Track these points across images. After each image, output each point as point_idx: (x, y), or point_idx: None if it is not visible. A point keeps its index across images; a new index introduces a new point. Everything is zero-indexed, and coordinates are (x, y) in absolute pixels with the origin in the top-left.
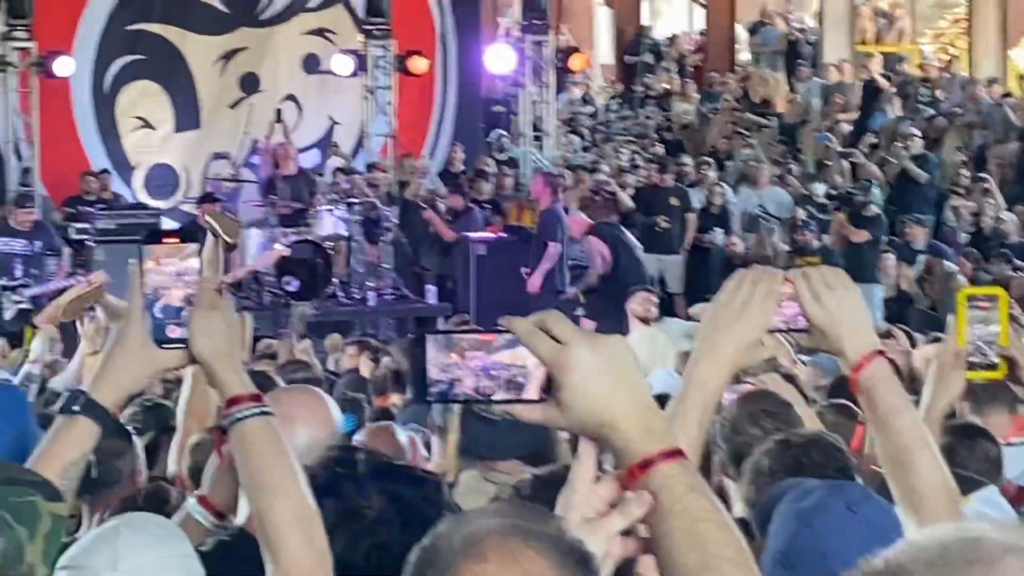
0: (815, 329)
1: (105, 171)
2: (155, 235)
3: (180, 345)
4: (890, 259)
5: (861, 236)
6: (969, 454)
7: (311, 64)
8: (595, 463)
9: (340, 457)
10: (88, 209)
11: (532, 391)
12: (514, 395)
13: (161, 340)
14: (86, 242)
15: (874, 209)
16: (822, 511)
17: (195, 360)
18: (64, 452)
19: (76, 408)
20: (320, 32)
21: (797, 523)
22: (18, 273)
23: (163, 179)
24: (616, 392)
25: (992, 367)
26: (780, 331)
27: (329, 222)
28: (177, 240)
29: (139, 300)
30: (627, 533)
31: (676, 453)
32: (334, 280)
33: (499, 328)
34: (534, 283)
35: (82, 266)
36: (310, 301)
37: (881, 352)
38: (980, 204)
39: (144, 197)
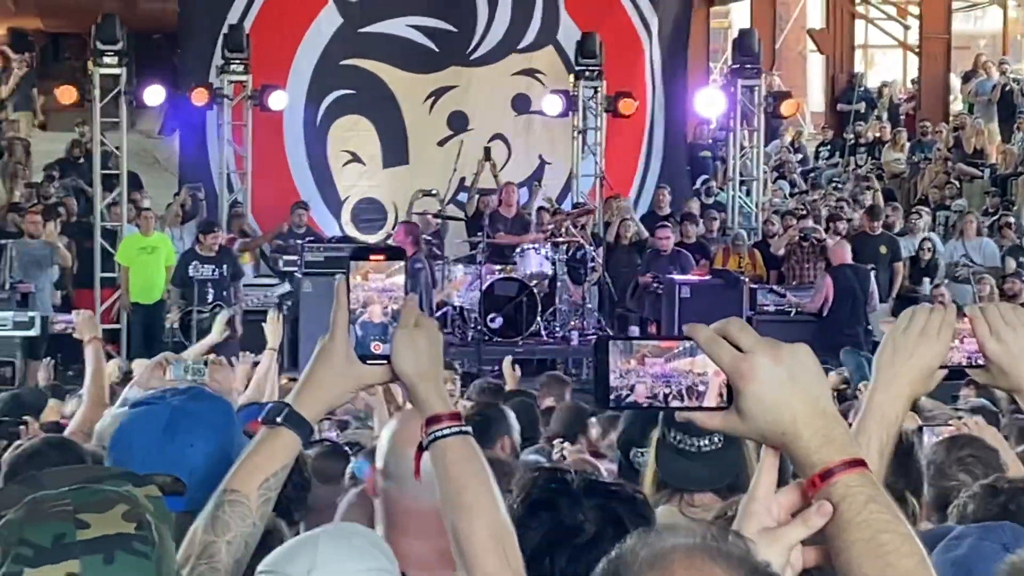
0: (993, 366)
1: (302, 204)
2: (362, 252)
3: (383, 361)
4: None
5: None
6: None
7: (521, 104)
8: (776, 472)
9: (552, 476)
10: (297, 241)
11: (711, 399)
12: (693, 403)
13: (364, 355)
14: (294, 274)
15: None
16: (978, 556)
17: (396, 377)
18: (265, 463)
19: (279, 420)
20: (530, 72)
21: (955, 572)
22: (210, 297)
23: (371, 213)
24: (797, 401)
25: None
26: (959, 366)
27: (535, 260)
28: (384, 257)
29: (344, 315)
30: (807, 543)
31: (858, 463)
32: (538, 318)
33: (680, 335)
34: None
35: (289, 297)
36: (514, 339)
37: None
38: None
39: (351, 231)
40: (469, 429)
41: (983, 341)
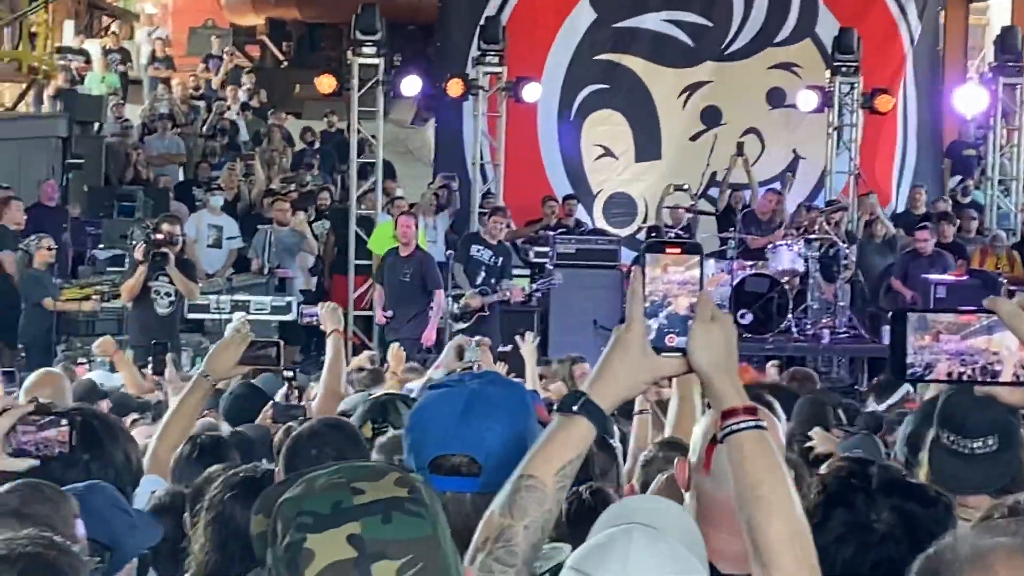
0: None
1: (571, 197)
2: (657, 245)
3: (678, 354)
4: None
5: None
6: None
7: (775, 98)
8: None
9: (854, 469)
10: (548, 233)
11: (1006, 378)
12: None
13: (659, 347)
14: (545, 265)
15: None
16: None
17: (691, 370)
18: (561, 451)
19: (575, 408)
20: (787, 66)
21: None
22: (479, 280)
23: (622, 207)
24: None
25: None
26: None
27: (787, 257)
28: (680, 250)
29: (640, 306)
30: None
31: None
32: (789, 315)
33: (980, 308)
34: (430, 337)
35: (540, 288)
36: (764, 336)
37: None
38: None
39: (602, 224)
40: (765, 423)
41: None
